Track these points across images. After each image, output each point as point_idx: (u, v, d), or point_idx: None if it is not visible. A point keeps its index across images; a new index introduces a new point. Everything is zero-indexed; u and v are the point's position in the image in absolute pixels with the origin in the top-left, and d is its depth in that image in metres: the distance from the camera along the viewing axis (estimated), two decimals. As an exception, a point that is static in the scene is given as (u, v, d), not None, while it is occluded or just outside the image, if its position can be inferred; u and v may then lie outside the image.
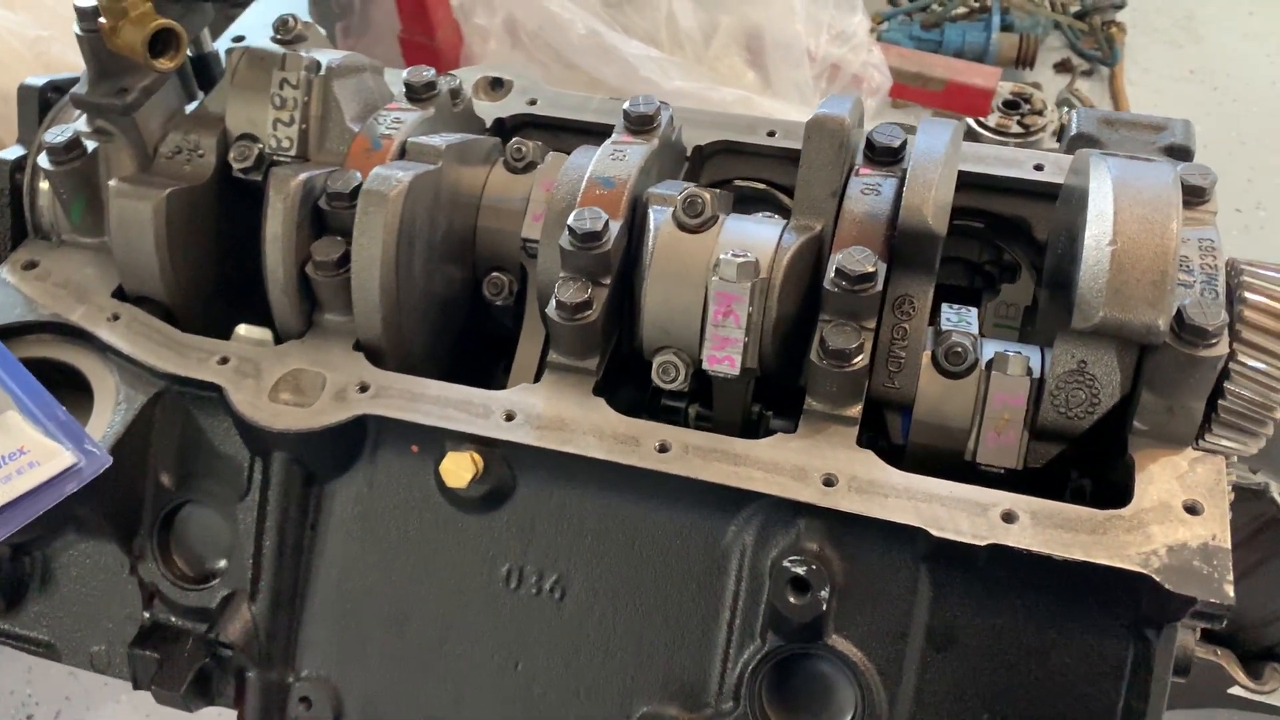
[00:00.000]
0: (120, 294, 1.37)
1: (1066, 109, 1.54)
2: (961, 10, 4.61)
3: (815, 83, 3.89)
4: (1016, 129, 4.32)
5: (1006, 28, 4.51)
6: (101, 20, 1.26)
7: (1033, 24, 4.55)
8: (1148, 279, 1.09)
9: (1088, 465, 1.26)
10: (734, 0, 3.93)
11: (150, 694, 1.28)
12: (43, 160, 1.36)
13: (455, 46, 3.76)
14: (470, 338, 1.50)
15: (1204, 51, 4.57)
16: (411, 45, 3.73)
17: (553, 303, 1.21)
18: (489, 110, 1.58)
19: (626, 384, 1.34)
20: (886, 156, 1.25)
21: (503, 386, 1.53)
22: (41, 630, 1.35)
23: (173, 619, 1.31)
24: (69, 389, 1.32)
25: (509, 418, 1.21)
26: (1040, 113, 4.34)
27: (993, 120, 4.26)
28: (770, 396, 1.32)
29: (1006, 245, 1.53)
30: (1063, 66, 4.60)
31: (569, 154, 1.50)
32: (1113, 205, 1.11)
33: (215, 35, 1.76)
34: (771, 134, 1.49)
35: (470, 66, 1.66)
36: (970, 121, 4.18)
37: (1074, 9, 4.71)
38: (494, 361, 1.55)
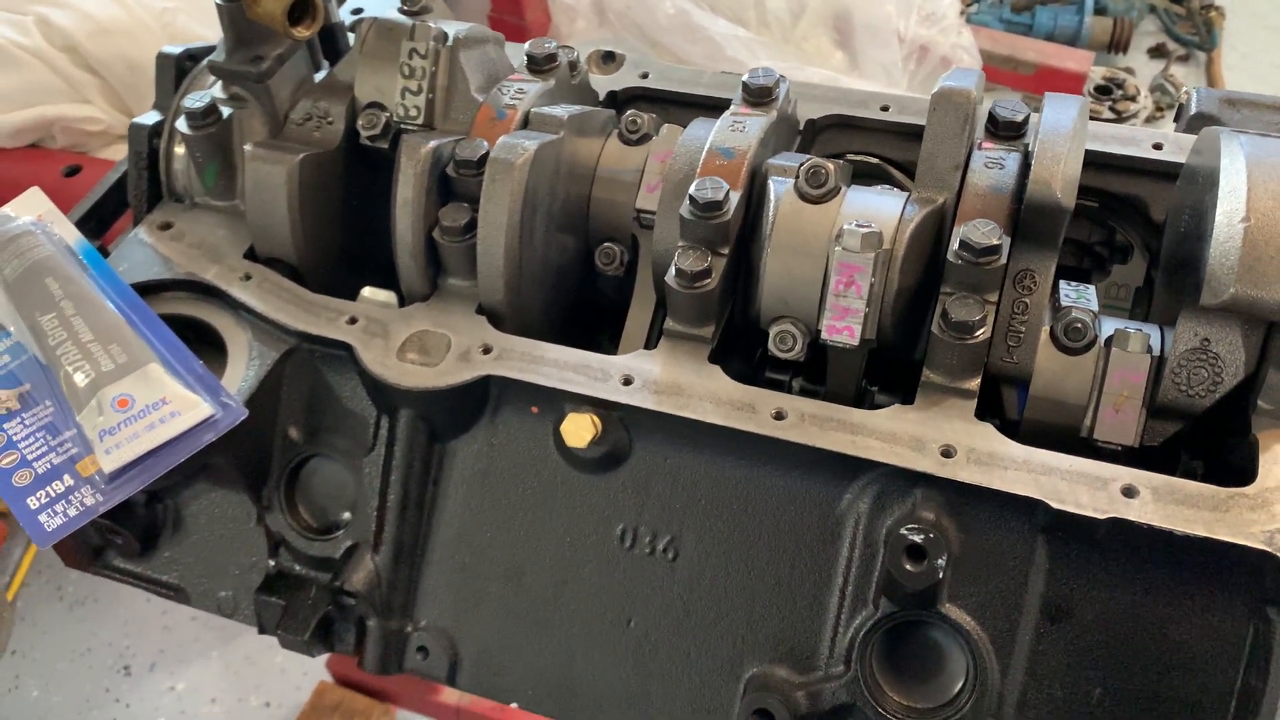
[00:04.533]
0: (251, 255, 1.42)
1: (1185, 90, 1.51)
2: (1053, -8, 4.51)
3: (904, 64, 3.84)
4: (1109, 115, 4.24)
5: (1100, 11, 4.41)
6: (243, -10, 1.31)
7: (1127, 7, 4.45)
8: (1281, 256, 1.08)
9: (1198, 447, 1.25)
10: (822, -20, 3.90)
11: (276, 639, 1.34)
12: (180, 124, 1.41)
13: (544, 26, 3.80)
14: (581, 306, 1.53)
15: (1307, 37, 4.44)
16: (501, 25, 3.77)
17: (671, 270, 1.23)
18: (601, 83, 1.60)
19: (734, 356, 1.36)
20: (1009, 131, 1.25)
21: (610, 354, 1.56)
22: (172, 574, 1.41)
23: (297, 568, 1.36)
24: (203, 344, 1.38)
25: (627, 382, 1.23)
26: (1133, 98, 4.25)
27: (1083, 105, 4.18)
28: (877, 373, 1.33)
29: (1120, 225, 1.52)
30: (1157, 51, 4.49)
31: (682, 127, 1.53)
32: (1246, 181, 1.10)
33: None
34: (885, 108, 1.49)
35: (576, 41, 1.68)
36: (1060, 106, 4.11)
37: (1171, -8, 4.59)
38: (600, 330, 1.58)
